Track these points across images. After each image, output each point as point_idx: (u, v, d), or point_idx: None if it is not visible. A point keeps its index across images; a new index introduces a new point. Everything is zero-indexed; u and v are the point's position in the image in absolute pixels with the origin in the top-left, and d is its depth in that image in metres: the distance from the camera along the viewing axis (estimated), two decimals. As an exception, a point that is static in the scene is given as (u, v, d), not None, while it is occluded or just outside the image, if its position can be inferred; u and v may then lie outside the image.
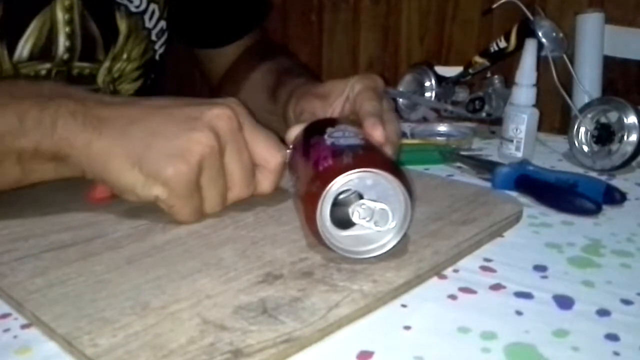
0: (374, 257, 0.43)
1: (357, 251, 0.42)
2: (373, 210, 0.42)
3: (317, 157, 0.45)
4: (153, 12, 0.73)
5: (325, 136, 0.47)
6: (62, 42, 0.65)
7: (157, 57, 0.77)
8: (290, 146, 0.53)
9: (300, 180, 0.48)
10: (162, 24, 0.75)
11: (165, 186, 0.46)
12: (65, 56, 0.67)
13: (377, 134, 0.51)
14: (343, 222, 0.42)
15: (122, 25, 0.70)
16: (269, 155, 0.51)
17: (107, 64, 0.71)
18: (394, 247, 0.43)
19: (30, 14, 0.63)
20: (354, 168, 0.41)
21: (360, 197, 0.42)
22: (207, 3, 0.83)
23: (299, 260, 0.43)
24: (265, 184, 0.52)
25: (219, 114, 0.47)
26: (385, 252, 0.43)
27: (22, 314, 0.37)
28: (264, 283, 0.39)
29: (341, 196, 0.42)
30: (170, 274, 0.40)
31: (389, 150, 0.52)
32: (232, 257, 0.43)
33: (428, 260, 0.43)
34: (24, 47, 0.64)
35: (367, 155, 0.45)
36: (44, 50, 0.65)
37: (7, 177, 0.48)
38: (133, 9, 0.71)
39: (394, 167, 0.43)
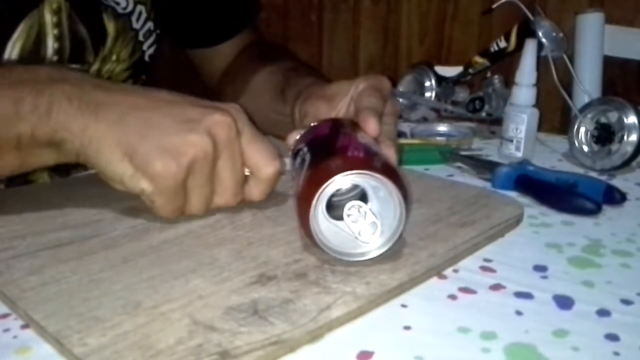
0: (351, 261, 0.42)
1: (339, 251, 0.42)
2: (364, 216, 0.42)
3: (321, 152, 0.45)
4: (140, 13, 0.73)
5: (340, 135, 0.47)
6: (50, 44, 0.66)
7: (146, 57, 0.77)
8: (291, 149, 0.52)
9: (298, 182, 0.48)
10: (150, 24, 0.75)
11: (152, 181, 0.46)
12: (55, 58, 0.67)
13: (369, 127, 0.50)
14: (337, 217, 0.42)
15: (110, 27, 0.71)
16: (263, 165, 0.50)
17: (96, 65, 0.71)
18: (372, 258, 0.42)
19: (18, 16, 0.63)
20: (366, 169, 0.41)
21: (364, 201, 0.42)
22: (195, 3, 0.83)
23: (293, 261, 0.42)
24: (256, 192, 0.52)
25: (220, 121, 0.47)
26: (360, 261, 0.42)
27: (16, 313, 0.37)
28: (257, 284, 0.39)
29: (343, 197, 0.42)
30: (164, 274, 0.40)
31: (386, 151, 0.50)
32: (227, 258, 0.43)
33: (423, 263, 0.43)
34: (13, 49, 0.64)
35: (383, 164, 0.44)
36: (33, 52, 0.65)
37: (7, 163, 0.48)
38: (120, 11, 0.71)
39: (403, 184, 0.42)
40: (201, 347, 0.33)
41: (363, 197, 0.42)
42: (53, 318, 0.35)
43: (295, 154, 0.51)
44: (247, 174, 0.51)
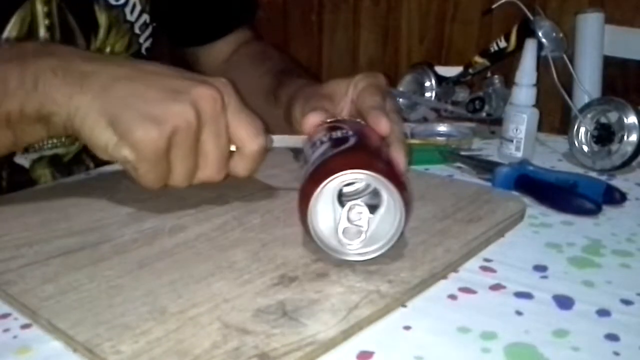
0: (341, 259, 0.42)
1: (320, 236, 0.42)
2: (360, 220, 0.41)
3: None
4: (134, 6, 0.73)
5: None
6: (42, 35, 0.66)
7: (143, 50, 0.77)
8: (307, 136, 0.51)
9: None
10: (145, 17, 0.75)
11: (133, 149, 0.46)
12: None
13: (381, 126, 0.49)
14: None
15: (102, 18, 0.70)
16: (248, 139, 0.50)
17: None
18: (355, 261, 0.42)
19: (12, 7, 0.63)
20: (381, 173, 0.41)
21: (372, 209, 0.42)
22: (190, 0, 0.82)
23: (311, 261, 0.42)
24: (240, 167, 0.52)
25: (205, 94, 0.47)
26: (345, 261, 0.42)
27: (37, 323, 0.36)
28: (280, 285, 0.39)
29: (351, 197, 0.43)
30: (184, 278, 0.40)
31: (397, 150, 0.50)
32: (244, 260, 0.42)
33: (441, 259, 0.43)
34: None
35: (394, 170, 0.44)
36: None
37: (1, 142, 0.49)
38: (113, 2, 0.71)
39: (409, 214, 0.42)
40: (238, 350, 0.32)
41: (368, 205, 0.42)
42: (80, 326, 0.34)
43: (330, 129, 0.49)
44: (233, 149, 0.51)
